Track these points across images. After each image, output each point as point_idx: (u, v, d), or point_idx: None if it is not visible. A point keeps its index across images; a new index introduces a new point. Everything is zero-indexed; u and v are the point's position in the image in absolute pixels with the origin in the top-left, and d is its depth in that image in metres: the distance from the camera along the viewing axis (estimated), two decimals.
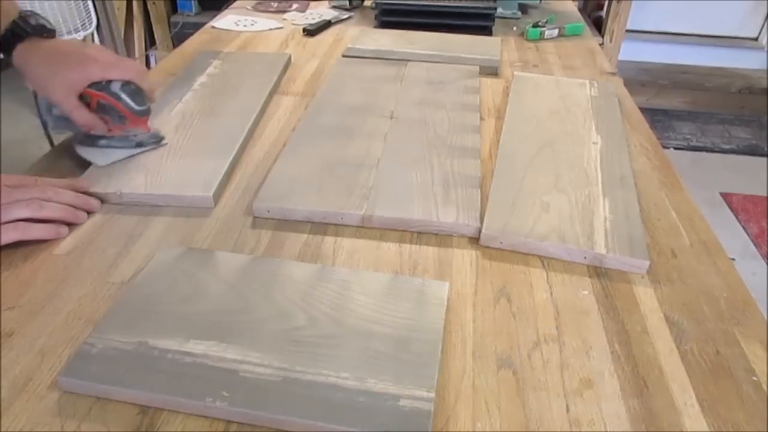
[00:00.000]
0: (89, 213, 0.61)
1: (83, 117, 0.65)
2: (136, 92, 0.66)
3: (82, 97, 0.65)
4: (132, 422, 0.40)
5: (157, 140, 0.71)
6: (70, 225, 0.59)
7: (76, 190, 0.61)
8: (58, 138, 0.76)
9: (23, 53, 0.65)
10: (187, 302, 0.48)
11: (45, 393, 0.42)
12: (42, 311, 0.49)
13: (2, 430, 0.40)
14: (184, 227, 0.60)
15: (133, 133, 0.69)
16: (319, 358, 0.43)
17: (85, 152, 0.68)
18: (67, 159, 0.69)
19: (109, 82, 0.65)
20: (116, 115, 0.67)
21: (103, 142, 0.69)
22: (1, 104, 2.58)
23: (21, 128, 2.47)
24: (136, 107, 0.67)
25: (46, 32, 0.67)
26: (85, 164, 0.67)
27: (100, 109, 0.66)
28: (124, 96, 0.65)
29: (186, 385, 0.41)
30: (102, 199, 0.63)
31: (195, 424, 0.40)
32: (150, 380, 0.41)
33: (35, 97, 0.71)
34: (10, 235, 0.55)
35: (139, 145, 0.69)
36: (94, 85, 0.65)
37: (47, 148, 0.80)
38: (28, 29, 0.65)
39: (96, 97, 0.65)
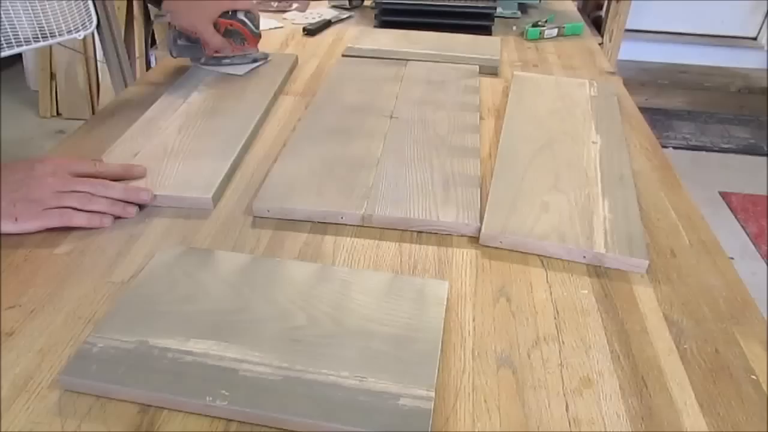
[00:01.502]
0: (141, 206, 0.62)
1: (218, 40, 0.85)
2: (255, 19, 0.87)
3: (214, 26, 0.84)
4: (132, 421, 0.40)
5: (265, 57, 0.93)
6: (117, 218, 0.60)
7: (132, 176, 0.64)
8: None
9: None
10: (187, 302, 0.48)
11: (45, 392, 0.42)
12: (42, 311, 0.49)
13: (2, 429, 0.40)
14: (184, 227, 0.60)
15: (248, 52, 0.90)
16: (319, 358, 0.43)
17: (219, 69, 0.88)
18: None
19: (235, 11, 0.85)
20: (239, 38, 0.87)
21: (226, 61, 0.89)
22: (1, 104, 2.58)
23: (21, 128, 2.47)
24: (256, 30, 0.87)
25: None
26: (126, 126, 0.76)
27: (227, 34, 0.86)
28: (248, 22, 0.86)
29: (186, 384, 0.41)
30: None
31: (195, 423, 0.40)
32: (150, 379, 0.42)
33: (102, 41, 1.04)
34: (54, 220, 0.57)
35: (255, 60, 0.90)
36: (224, 14, 0.84)
37: (47, 147, 0.81)
38: None
39: (225, 24, 0.85)
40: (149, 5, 0.92)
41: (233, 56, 0.89)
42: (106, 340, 0.44)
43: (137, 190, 0.62)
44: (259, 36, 0.90)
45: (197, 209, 0.62)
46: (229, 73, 0.88)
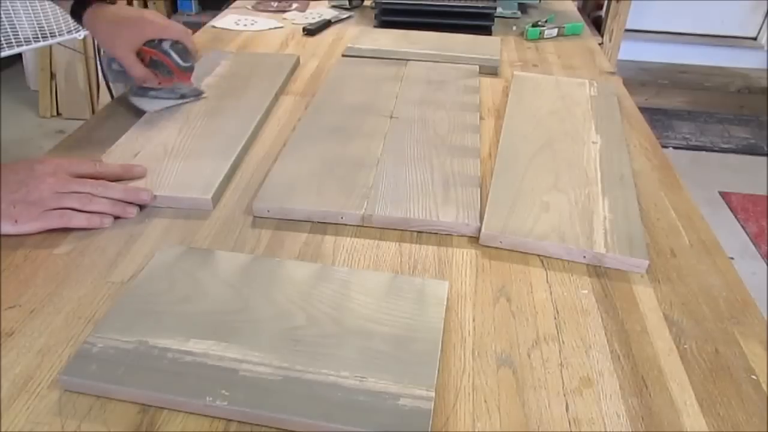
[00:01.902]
0: (142, 206, 0.62)
1: (138, 71, 0.76)
2: (183, 51, 0.78)
3: (138, 54, 0.76)
4: (132, 421, 0.40)
5: (197, 94, 0.82)
6: (117, 218, 0.60)
7: (132, 176, 0.64)
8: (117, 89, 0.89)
9: (91, 17, 0.76)
10: (187, 302, 0.48)
11: (45, 392, 0.42)
12: (42, 311, 0.49)
13: (2, 429, 0.40)
14: (184, 227, 0.60)
15: (178, 87, 0.80)
16: (318, 358, 0.43)
17: (137, 101, 0.80)
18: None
19: (161, 41, 0.76)
20: (165, 69, 0.78)
21: (152, 93, 0.80)
22: (1, 104, 2.58)
23: (21, 128, 2.47)
24: (182, 63, 0.78)
25: None
26: (126, 126, 0.75)
27: (152, 65, 0.78)
28: (173, 53, 0.77)
29: (186, 384, 0.41)
30: None
31: (195, 423, 0.40)
32: (150, 379, 0.42)
33: (98, 54, 0.93)
34: (54, 221, 0.57)
35: (183, 96, 0.81)
36: (149, 43, 0.76)
37: (47, 147, 0.82)
38: None
39: (149, 53, 0.76)
40: (73, 20, 0.81)
41: (158, 89, 0.80)
42: (105, 340, 0.44)
43: (137, 190, 0.62)
44: (188, 70, 0.80)
45: (197, 209, 0.62)
46: (142, 108, 0.79)
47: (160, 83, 0.79)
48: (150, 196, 0.62)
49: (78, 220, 0.58)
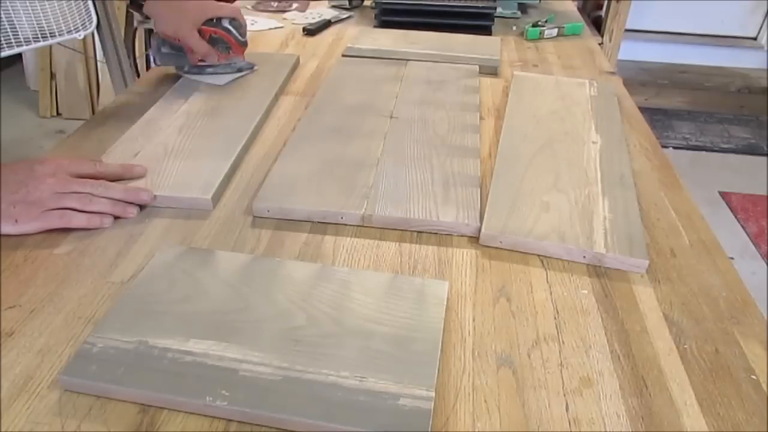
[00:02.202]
0: (142, 207, 0.62)
1: (203, 48, 0.82)
2: (240, 27, 0.84)
3: (198, 33, 0.82)
4: (132, 421, 0.40)
5: (251, 66, 0.90)
6: (117, 218, 0.60)
7: (132, 176, 0.64)
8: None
9: (152, 3, 0.82)
10: (187, 302, 0.48)
11: (45, 392, 0.42)
12: (42, 311, 0.49)
13: (2, 429, 0.40)
14: (184, 227, 0.60)
15: (234, 61, 0.87)
16: (319, 358, 0.43)
17: (201, 78, 0.86)
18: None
19: (220, 19, 0.82)
20: (224, 45, 0.85)
21: (210, 69, 0.87)
22: (1, 104, 2.58)
23: (21, 128, 2.47)
24: (241, 38, 0.85)
25: None
26: (126, 126, 0.76)
27: (211, 42, 0.84)
28: (233, 30, 0.83)
29: (186, 384, 0.41)
30: None
31: (195, 423, 0.40)
32: (150, 379, 0.42)
33: (148, 38, 0.94)
34: (54, 221, 0.57)
35: (239, 70, 0.88)
36: (208, 22, 0.82)
37: (47, 147, 0.82)
38: None
39: (209, 32, 0.82)
40: (131, 11, 0.89)
41: (217, 65, 0.87)
42: (105, 340, 0.44)
43: (137, 190, 0.62)
44: (244, 44, 0.87)
45: (197, 209, 0.62)
46: (211, 83, 0.85)
47: (219, 59, 0.86)
48: (150, 196, 0.62)
49: (78, 220, 0.58)
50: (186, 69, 0.88)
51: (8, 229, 0.56)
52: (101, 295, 0.51)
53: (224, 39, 0.84)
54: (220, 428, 0.40)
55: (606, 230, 0.58)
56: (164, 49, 0.86)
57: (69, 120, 2.48)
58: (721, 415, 0.42)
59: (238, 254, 0.55)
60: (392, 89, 0.88)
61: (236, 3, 0.91)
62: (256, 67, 0.90)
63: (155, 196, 0.62)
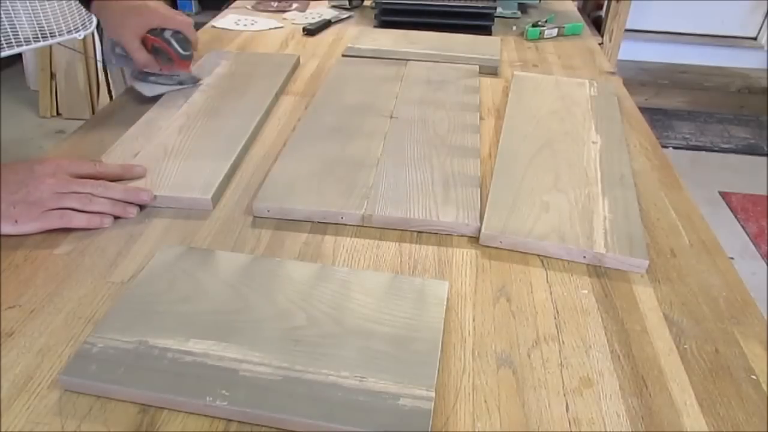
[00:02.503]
0: (142, 207, 0.62)
1: (141, 56, 0.81)
2: (183, 40, 0.82)
3: (142, 41, 0.80)
4: (132, 421, 0.40)
5: (194, 81, 0.87)
6: (117, 218, 0.60)
7: (132, 176, 0.64)
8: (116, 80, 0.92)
9: (99, 5, 0.81)
10: (187, 302, 0.48)
11: (45, 392, 0.42)
12: (42, 311, 0.49)
13: (2, 429, 0.40)
14: (184, 227, 0.60)
15: (176, 74, 0.85)
16: (319, 358, 0.43)
17: (138, 86, 0.85)
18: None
19: (164, 29, 0.80)
20: (165, 57, 0.82)
21: (152, 78, 0.85)
22: (1, 104, 2.58)
23: (21, 128, 2.47)
24: (182, 52, 0.82)
25: None
26: (126, 126, 0.76)
27: (155, 51, 0.82)
28: (173, 42, 0.81)
29: (186, 384, 0.41)
30: None
31: (195, 423, 0.40)
32: (150, 379, 0.42)
33: (101, 40, 0.89)
34: (54, 221, 0.57)
35: (180, 83, 0.85)
36: (152, 31, 0.80)
37: (47, 147, 0.82)
38: None
39: (151, 41, 0.81)
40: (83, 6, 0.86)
41: (159, 75, 0.85)
42: (105, 340, 0.44)
43: (137, 190, 0.62)
44: (187, 58, 0.83)
45: (197, 209, 0.62)
46: (140, 92, 0.84)
47: (161, 69, 0.84)
48: (150, 196, 0.62)
49: (78, 221, 0.58)
50: (132, 74, 0.87)
51: (8, 229, 0.56)
52: (101, 295, 0.51)
53: (165, 50, 0.82)
54: (220, 428, 0.40)
55: (606, 230, 0.58)
56: (117, 50, 0.85)
57: (69, 120, 2.48)
58: (721, 415, 0.42)
59: (238, 254, 0.55)
60: (392, 89, 0.88)
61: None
62: (201, 82, 0.87)
63: (155, 196, 0.62)
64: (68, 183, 0.59)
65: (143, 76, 0.85)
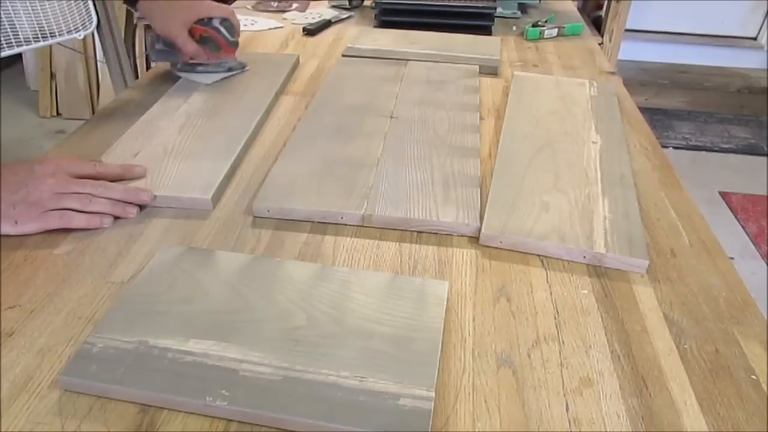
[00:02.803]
0: (142, 207, 0.62)
1: (192, 47, 0.83)
2: (231, 27, 0.85)
3: (189, 32, 0.83)
4: (132, 421, 0.40)
5: (242, 66, 0.90)
6: (117, 218, 0.61)
7: (132, 176, 0.64)
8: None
9: (145, 4, 0.84)
10: (187, 302, 0.48)
11: (45, 392, 0.42)
12: (42, 311, 0.49)
13: (2, 429, 0.40)
14: (184, 227, 0.60)
15: (224, 61, 0.88)
16: (319, 358, 0.43)
17: (189, 76, 0.87)
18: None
19: (211, 19, 0.83)
20: (214, 45, 0.85)
21: (200, 68, 0.88)
22: (1, 104, 2.58)
23: (21, 128, 2.47)
24: (231, 38, 0.85)
25: None
26: (126, 126, 0.76)
27: (202, 41, 0.84)
28: (222, 30, 0.84)
29: (186, 384, 0.41)
30: None
31: (195, 423, 0.40)
32: (150, 379, 0.42)
33: (144, 35, 1.08)
34: (54, 222, 0.57)
35: (230, 69, 0.88)
36: (199, 21, 0.83)
37: (47, 147, 0.82)
38: None
39: (199, 31, 0.83)
40: (127, 7, 0.90)
41: (207, 64, 0.88)
42: (105, 340, 0.44)
43: (137, 190, 0.62)
44: (235, 45, 0.87)
45: (197, 209, 0.62)
46: (198, 81, 0.86)
47: (208, 58, 0.86)
48: (150, 197, 0.62)
49: (78, 221, 0.58)
50: (179, 66, 0.90)
51: (8, 229, 0.56)
52: (101, 295, 0.51)
53: (214, 38, 0.84)
54: (220, 428, 0.40)
55: (606, 230, 0.58)
56: (158, 46, 0.87)
57: (69, 120, 2.48)
58: (721, 415, 0.42)
59: (238, 254, 0.55)
60: (392, 89, 0.88)
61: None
62: (247, 68, 0.90)
63: (155, 196, 0.62)
64: (68, 183, 0.59)
65: (190, 67, 0.88)
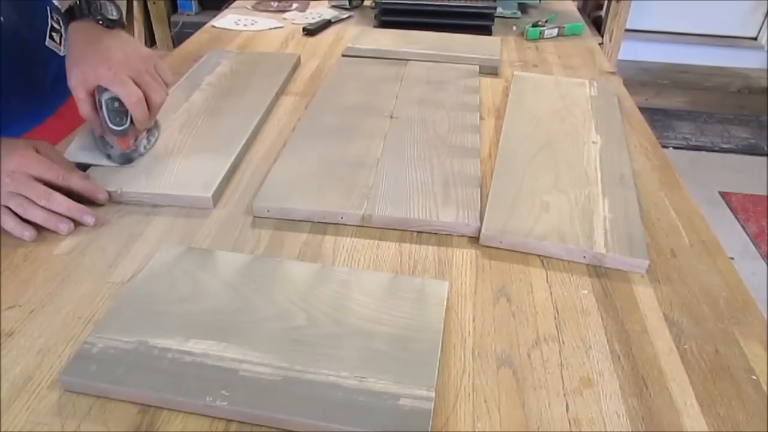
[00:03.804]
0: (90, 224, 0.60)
1: (82, 109, 0.64)
2: (119, 111, 0.64)
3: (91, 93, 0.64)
4: (132, 421, 0.40)
5: (124, 161, 0.67)
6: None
7: (94, 199, 0.61)
8: None
9: (72, 30, 0.67)
10: (187, 302, 0.48)
11: (45, 392, 0.42)
12: (42, 311, 0.49)
13: (2, 429, 0.40)
14: (184, 227, 0.60)
15: (110, 144, 0.67)
16: (319, 358, 0.43)
17: (75, 141, 0.69)
18: None
19: (106, 90, 0.63)
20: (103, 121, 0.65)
21: (88, 139, 0.69)
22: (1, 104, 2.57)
23: None
24: (111, 125, 0.64)
25: (102, 19, 0.66)
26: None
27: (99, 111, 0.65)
28: (105, 109, 0.64)
29: (186, 385, 0.41)
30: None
31: (195, 424, 0.40)
32: (150, 379, 0.42)
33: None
34: None
35: (108, 156, 0.67)
36: (100, 87, 0.63)
37: None
38: (85, 12, 0.67)
39: (93, 99, 0.64)
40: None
41: (98, 138, 0.68)
42: (105, 340, 0.44)
43: (82, 211, 0.59)
44: (118, 133, 0.65)
45: (197, 208, 0.62)
46: (68, 154, 0.67)
47: (98, 131, 0.68)
48: (93, 221, 0.59)
49: (6, 223, 0.57)
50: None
51: None
52: (101, 295, 0.51)
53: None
54: (220, 428, 0.40)
55: (606, 230, 0.58)
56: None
57: None
58: (721, 415, 0.42)
59: (238, 254, 0.55)
60: (392, 89, 0.88)
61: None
62: (130, 165, 0.67)
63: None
64: (20, 184, 0.58)
65: (87, 133, 0.70)
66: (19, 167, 0.58)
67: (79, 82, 0.63)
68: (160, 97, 0.66)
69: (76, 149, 0.68)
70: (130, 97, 0.63)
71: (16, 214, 0.58)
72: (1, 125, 0.75)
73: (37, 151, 0.61)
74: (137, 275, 0.52)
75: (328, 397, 0.41)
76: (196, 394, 0.41)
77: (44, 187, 0.59)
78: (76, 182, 0.61)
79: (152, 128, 0.71)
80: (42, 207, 0.58)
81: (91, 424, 0.40)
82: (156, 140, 0.71)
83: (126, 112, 0.64)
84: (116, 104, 0.64)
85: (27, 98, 0.80)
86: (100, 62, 0.63)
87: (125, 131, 0.65)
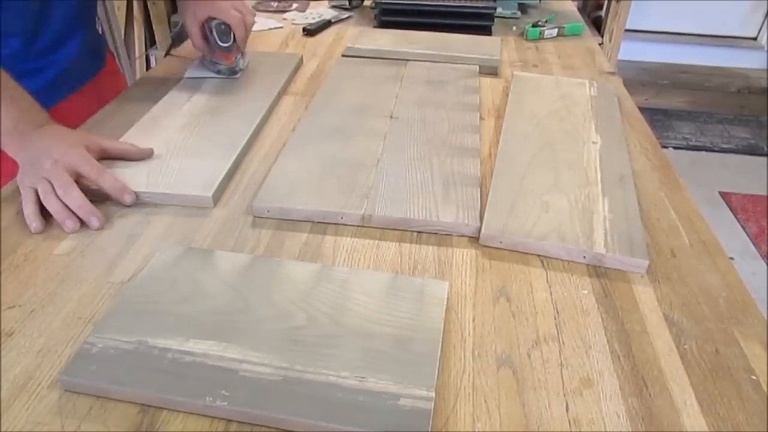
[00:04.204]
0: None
1: (195, 40, 0.90)
2: (223, 32, 0.87)
3: (202, 27, 0.88)
4: (132, 421, 0.40)
5: (232, 73, 0.91)
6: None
7: (120, 196, 0.62)
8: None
9: None
10: (187, 302, 0.48)
11: (45, 392, 0.42)
12: (42, 311, 0.49)
13: (2, 429, 0.40)
14: (184, 227, 0.60)
15: (218, 61, 0.91)
16: (319, 358, 0.43)
17: (186, 66, 0.94)
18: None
19: (213, 19, 0.86)
20: (211, 45, 0.89)
21: (196, 62, 0.94)
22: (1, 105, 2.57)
23: None
24: (220, 43, 0.87)
25: None
26: (127, 126, 0.77)
27: (205, 39, 0.89)
28: (214, 32, 0.87)
29: (186, 385, 0.41)
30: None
31: (195, 424, 0.40)
32: (150, 379, 0.42)
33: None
34: (24, 195, 0.60)
35: (218, 72, 0.91)
36: (208, 19, 0.87)
37: None
38: None
39: (203, 29, 0.88)
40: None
41: (207, 60, 0.92)
42: (105, 341, 0.44)
43: (91, 213, 0.59)
44: (225, 50, 0.89)
45: (197, 208, 0.62)
46: (184, 75, 0.91)
47: (207, 56, 0.91)
48: (99, 225, 0.59)
49: (28, 206, 0.60)
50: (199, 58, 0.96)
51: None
52: (101, 295, 0.51)
53: (210, 39, 0.88)
54: (220, 428, 0.40)
55: (606, 230, 0.58)
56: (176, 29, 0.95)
57: None
58: (721, 415, 0.42)
59: (238, 254, 0.55)
60: (392, 89, 0.88)
61: (238, 15, 0.90)
62: (237, 76, 0.91)
63: (153, 194, 0.63)
64: (53, 171, 0.60)
65: (198, 60, 0.95)
66: (63, 156, 0.61)
67: (191, 22, 0.88)
68: (252, 19, 0.89)
69: (192, 69, 0.92)
70: (235, 19, 0.86)
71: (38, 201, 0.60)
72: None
73: (87, 149, 0.64)
74: (137, 275, 0.52)
75: (328, 397, 0.41)
76: (196, 394, 0.41)
77: (68, 179, 0.60)
78: (106, 180, 0.63)
79: (244, 53, 0.92)
80: (58, 198, 0.59)
81: (91, 424, 0.40)
82: (247, 62, 0.94)
83: (230, 33, 0.87)
84: (222, 27, 0.87)
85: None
86: (204, 4, 0.87)
87: (230, 48, 0.89)
